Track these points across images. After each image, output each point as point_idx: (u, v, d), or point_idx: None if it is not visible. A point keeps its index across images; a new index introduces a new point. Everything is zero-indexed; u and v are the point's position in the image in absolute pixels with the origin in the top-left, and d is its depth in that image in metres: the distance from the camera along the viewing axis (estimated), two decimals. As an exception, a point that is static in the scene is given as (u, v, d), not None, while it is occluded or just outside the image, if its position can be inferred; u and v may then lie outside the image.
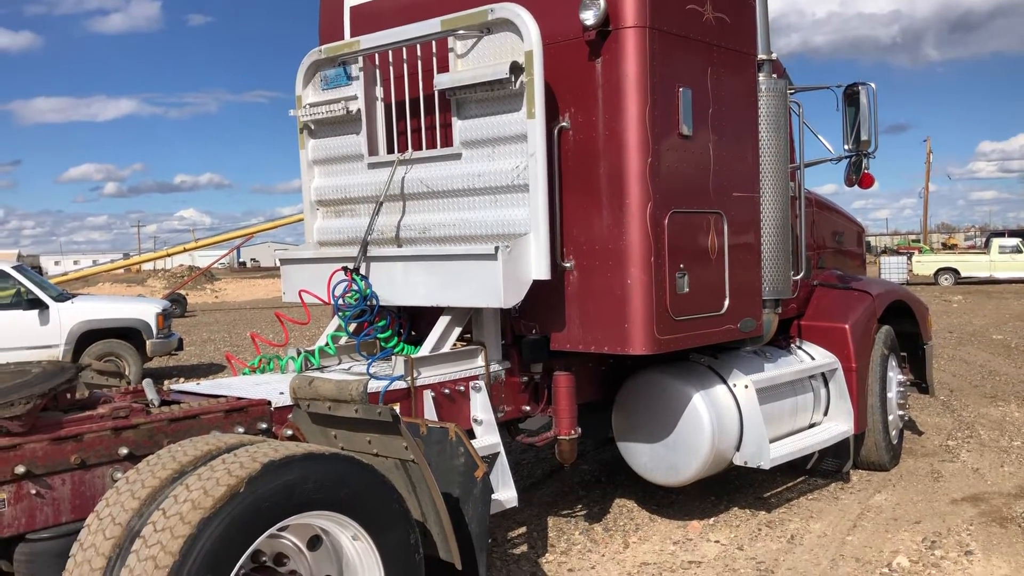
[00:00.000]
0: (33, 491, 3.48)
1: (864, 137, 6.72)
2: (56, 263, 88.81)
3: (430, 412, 4.95)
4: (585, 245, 5.22)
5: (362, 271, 5.45)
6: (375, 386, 4.74)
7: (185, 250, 36.47)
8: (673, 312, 5.17)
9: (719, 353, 6.16)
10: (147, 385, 4.38)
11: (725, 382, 5.95)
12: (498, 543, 5.91)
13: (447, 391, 5.07)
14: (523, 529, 6.18)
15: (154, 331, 13.88)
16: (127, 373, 13.45)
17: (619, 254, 5.08)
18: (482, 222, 5.29)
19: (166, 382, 4.84)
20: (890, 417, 7.31)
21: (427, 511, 3.97)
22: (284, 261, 6.16)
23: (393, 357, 5.04)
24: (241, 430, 4.13)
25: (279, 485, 3.30)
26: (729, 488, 6.86)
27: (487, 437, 5.15)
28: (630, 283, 5.05)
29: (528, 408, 5.60)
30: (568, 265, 5.26)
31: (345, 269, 5.38)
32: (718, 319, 5.55)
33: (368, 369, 4.95)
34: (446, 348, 5.21)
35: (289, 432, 4.29)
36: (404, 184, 5.59)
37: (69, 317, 13.45)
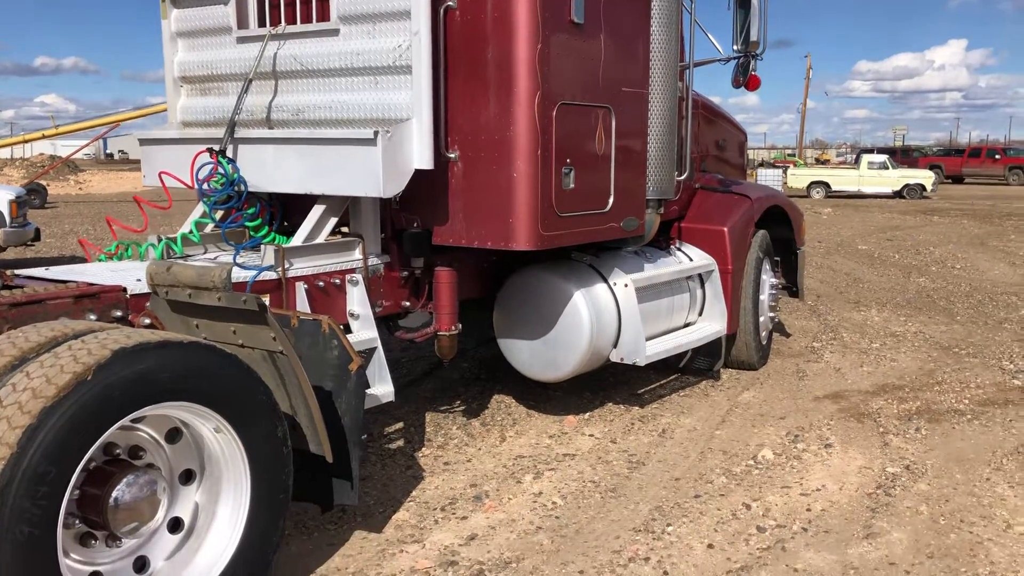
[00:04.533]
0: None
1: (753, 38, 6.68)
2: None
3: (303, 304, 4.74)
4: (471, 135, 5.01)
5: (229, 154, 5.10)
6: (242, 275, 4.49)
7: (44, 137, 33.92)
8: (558, 208, 5.07)
9: (600, 252, 6.14)
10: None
11: (605, 280, 5.94)
12: (375, 438, 5.83)
13: (321, 284, 4.86)
14: (400, 425, 6.12)
15: (7, 219, 12.92)
16: (-22, 264, 12.55)
17: (505, 146, 4.90)
18: (361, 105, 5.00)
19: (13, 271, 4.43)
20: (761, 319, 7.52)
21: (297, 404, 3.80)
22: (144, 141, 5.72)
23: (262, 247, 4.77)
24: (93, 318, 3.83)
25: (131, 374, 3.06)
26: (605, 385, 6.96)
27: (364, 332, 4.99)
28: (516, 176, 4.90)
29: (408, 303, 5.45)
30: (453, 156, 5.05)
31: (210, 151, 5.02)
32: (602, 217, 5.49)
33: (235, 258, 4.69)
34: (320, 239, 4.97)
35: (147, 321, 4.01)
36: (276, 61, 5.21)
37: (-92, 202, 12.37)
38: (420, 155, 4.78)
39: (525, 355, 5.96)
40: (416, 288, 5.46)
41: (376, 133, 4.60)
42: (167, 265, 3.80)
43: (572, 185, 5.15)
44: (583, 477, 5.13)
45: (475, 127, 4.97)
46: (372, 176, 4.66)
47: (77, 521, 3.22)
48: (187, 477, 3.57)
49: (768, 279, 7.68)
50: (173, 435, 3.49)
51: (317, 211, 4.98)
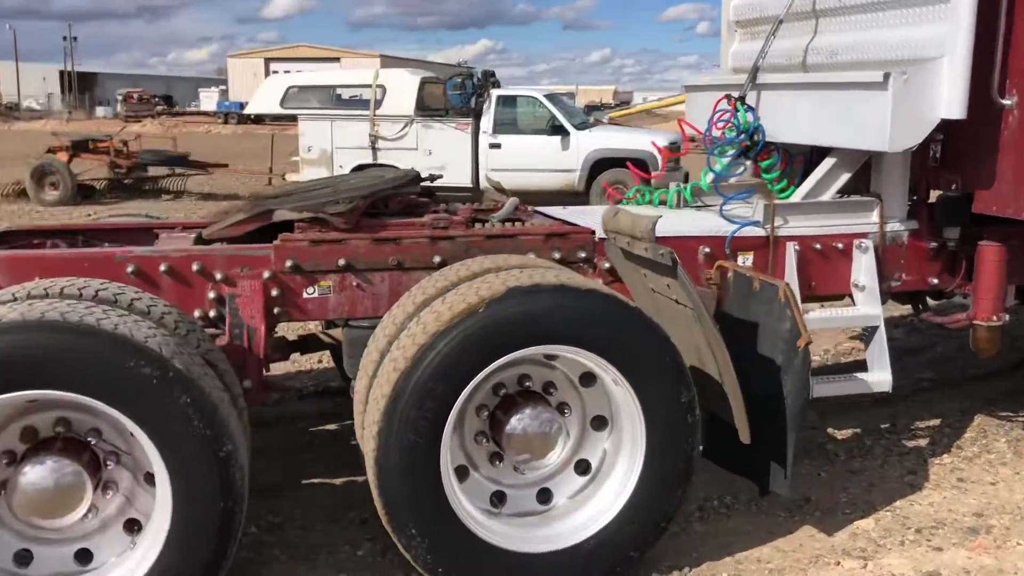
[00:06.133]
0: (354, 283, 3.85)
1: None
2: (644, 99, 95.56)
3: (791, 268, 4.31)
4: (1035, 76, 3.91)
5: (751, 101, 4.82)
6: (722, 229, 4.26)
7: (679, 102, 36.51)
8: None
9: None
10: (509, 202, 4.51)
11: None
12: (895, 430, 5.09)
13: (818, 246, 4.35)
14: (935, 422, 5.22)
15: (660, 163, 14.26)
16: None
17: (1078, 89, 3.71)
18: (897, 43, 4.25)
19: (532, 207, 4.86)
20: None
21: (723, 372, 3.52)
22: (688, 88, 5.73)
23: (754, 200, 4.44)
24: (558, 256, 4.04)
25: (520, 311, 3.17)
26: None
27: (867, 307, 4.36)
28: (1088, 129, 3.69)
29: (936, 281, 4.56)
30: (1008, 103, 4.00)
31: (728, 97, 4.81)
32: None
33: (721, 210, 4.47)
34: (826, 196, 4.44)
35: (607, 265, 4.10)
36: (817, -2, 4.71)
37: (586, 145, 14.47)
38: (950, 101, 3.90)
39: (1108, 368, 4.53)
40: (951, 264, 4.53)
41: (887, 76, 3.88)
42: (615, 211, 3.80)
43: None
44: None
45: (1041, 66, 3.85)
46: (878, 126, 3.96)
47: (486, 440, 3.50)
48: (601, 423, 3.59)
49: None
50: (587, 379, 3.53)
51: (826, 165, 4.44)
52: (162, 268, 3.63)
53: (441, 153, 14.59)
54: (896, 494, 4.29)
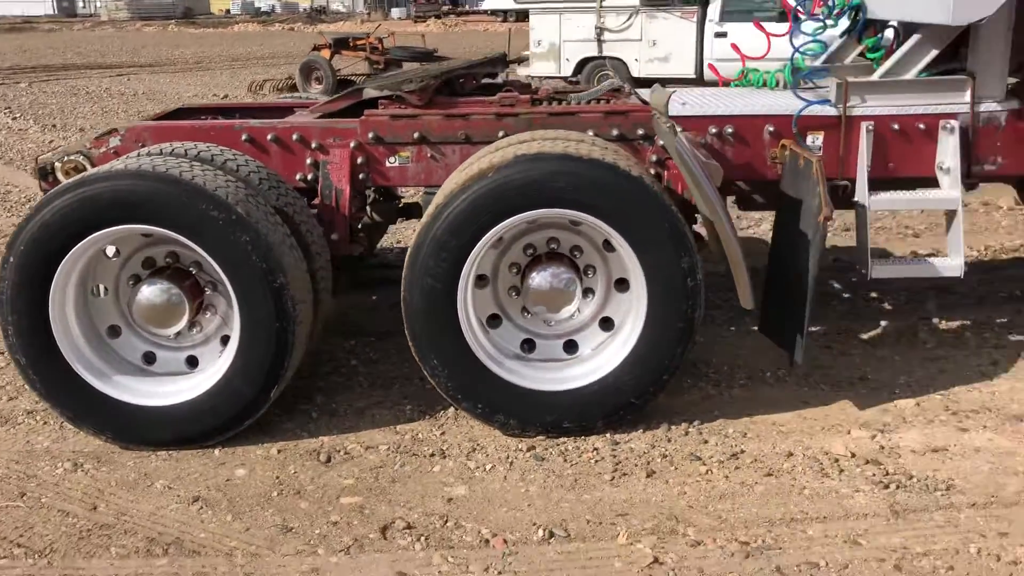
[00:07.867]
0: (429, 154, 4.35)
1: None
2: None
3: (865, 149, 4.23)
4: None
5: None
6: (789, 108, 4.26)
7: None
8: None
9: None
10: (603, 84, 4.79)
11: None
12: (1011, 326, 4.87)
13: (897, 127, 4.22)
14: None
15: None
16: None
17: None
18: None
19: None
20: None
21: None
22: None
23: (830, 79, 4.37)
24: (616, 133, 4.28)
25: (524, 177, 3.55)
26: None
27: (949, 191, 4.21)
28: None
29: (1041, 164, 4.26)
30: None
31: (827, -30, 4.67)
32: None
33: (793, 88, 4.44)
34: (910, 75, 4.26)
35: (660, 142, 4.28)
36: None
37: (819, 31, 13.67)
38: (1027, -33, 3.62)
39: None
40: (1057, 147, 4.20)
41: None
42: (654, 90, 3.99)
43: None
44: None
45: None
46: (942, -3, 3.78)
47: (515, 294, 3.96)
48: (624, 285, 3.90)
49: None
50: (608, 245, 3.85)
51: (911, 42, 4.25)
52: (269, 137, 4.34)
53: (665, 43, 14.52)
54: (960, 381, 4.22)
